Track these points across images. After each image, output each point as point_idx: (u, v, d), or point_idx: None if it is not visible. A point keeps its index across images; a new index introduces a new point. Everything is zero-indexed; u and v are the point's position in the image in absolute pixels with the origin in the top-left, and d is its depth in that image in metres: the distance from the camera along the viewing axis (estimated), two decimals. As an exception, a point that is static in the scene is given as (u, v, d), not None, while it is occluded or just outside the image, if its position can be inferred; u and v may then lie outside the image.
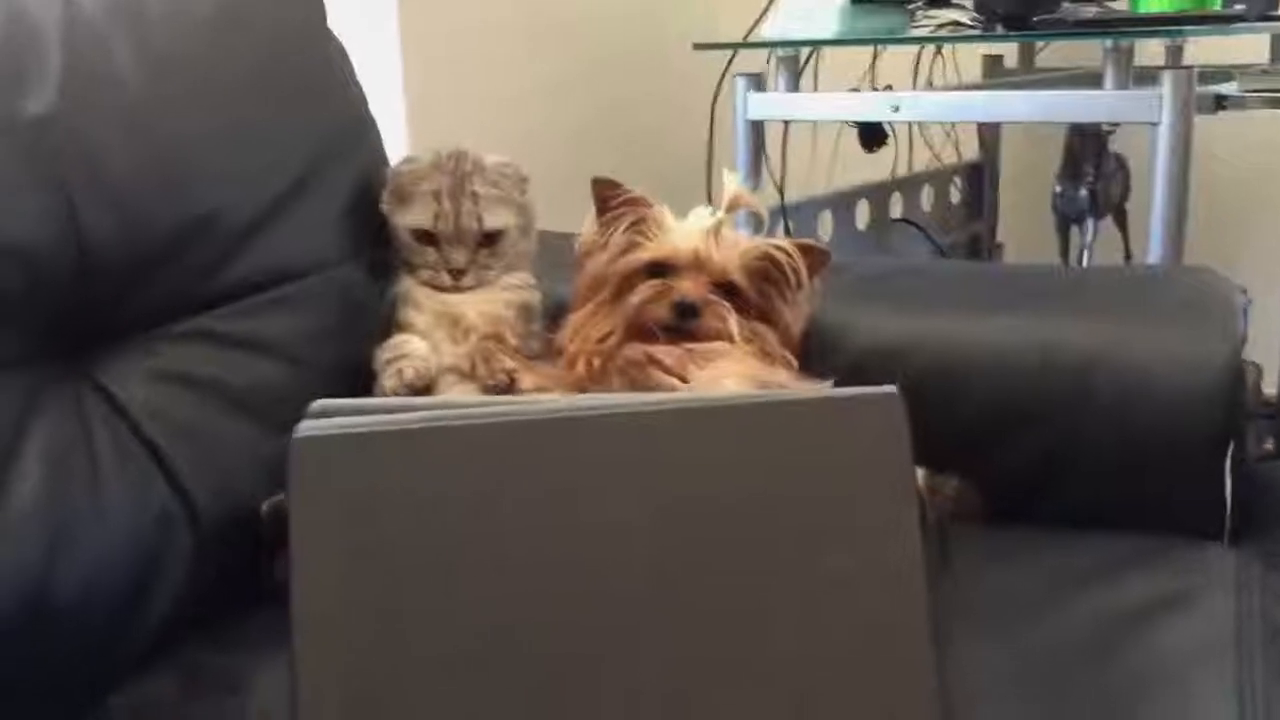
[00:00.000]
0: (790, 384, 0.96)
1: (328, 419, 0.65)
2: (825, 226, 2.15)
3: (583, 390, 1.05)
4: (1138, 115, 1.52)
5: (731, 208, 1.11)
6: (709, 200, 2.05)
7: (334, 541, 0.62)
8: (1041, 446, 1.07)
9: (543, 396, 1.01)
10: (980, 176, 2.58)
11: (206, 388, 0.95)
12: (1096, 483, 1.05)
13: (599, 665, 0.59)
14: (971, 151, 2.58)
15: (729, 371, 0.95)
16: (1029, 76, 2.33)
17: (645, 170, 2.07)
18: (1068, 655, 0.79)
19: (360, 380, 1.03)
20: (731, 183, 1.12)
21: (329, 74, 1.16)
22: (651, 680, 0.59)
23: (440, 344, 1.07)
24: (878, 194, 2.28)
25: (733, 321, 1.06)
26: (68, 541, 0.81)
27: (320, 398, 0.99)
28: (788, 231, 2.03)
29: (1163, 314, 1.12)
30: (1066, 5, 1.62)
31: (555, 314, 1.14)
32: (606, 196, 1.13)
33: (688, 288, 1.07)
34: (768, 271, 1.09)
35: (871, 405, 0.63)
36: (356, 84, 1.19)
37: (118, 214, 0.91)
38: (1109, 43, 1.53)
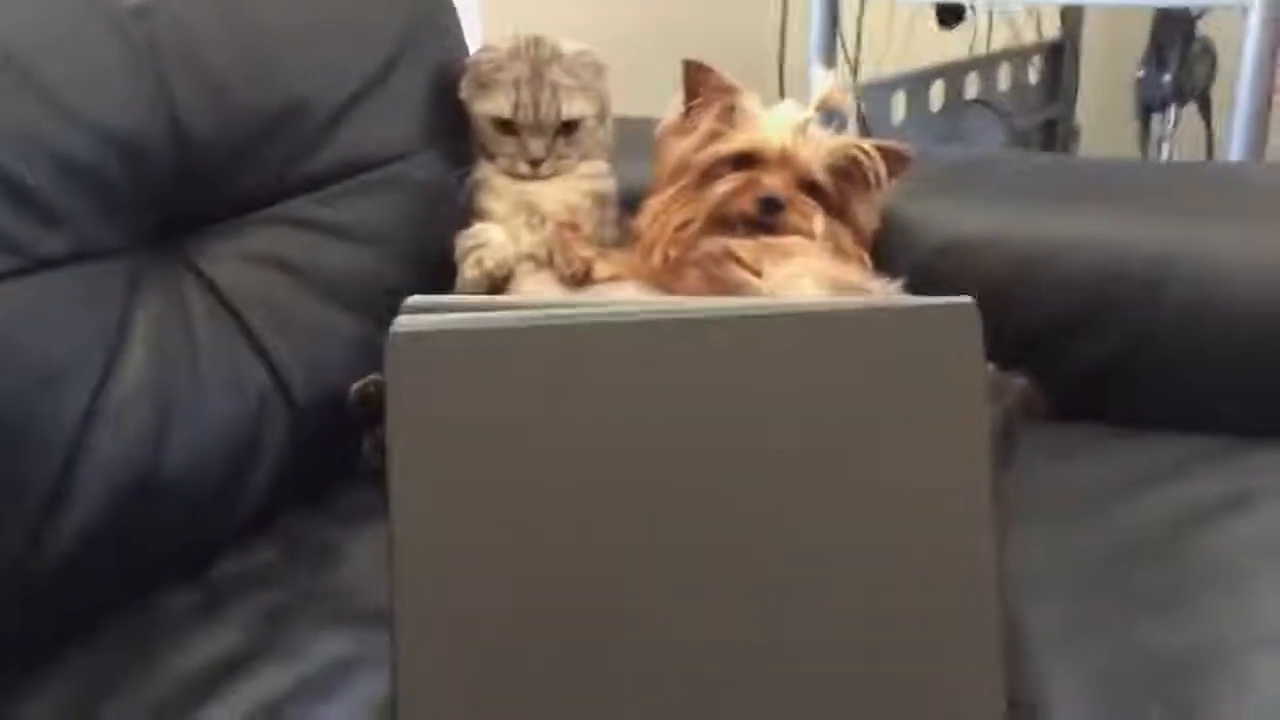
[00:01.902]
0: (864, 284, 0.97)
1: (423, 314, 0.68)
2: (898, 108, 2.12)
3: (658, 281, 1.07)
4: None
5: (821, 106, 1.11)
6: (780, 79, 2.04)
7: (431, 438, 0.64)
8: (1113, 344, 1.08)
9: (618, 293, 1.04)
10: (1060, 56, 2.51)
11: (295, 271, 0.98)
12: (1167, 382, 1.06)
13: (672, 580, 0.62)
14: (1053, 30, 2.52)
15: (806, 269, 0.97)
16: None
17: (716, 48, 2.05)
18: (1127, 552, 0.81)
19: (442, 266, 1.06)
20: (825, 81, 1.12)
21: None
22: (722, 595, 0.62)
23: (518, 231, 1.09)
24: (953, 74, 2.24)
25: (817, 219, 1.07)
26: (173, 420, 0.85)
27: (401, 283, 1.05)
28: (860, 114, 2.02)
29: (1241, 211, 1.11)
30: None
31: (632, 201, 1.16)
32: (697, 81, 1.12)
33: (774, 183, 1.07)
34: (849, 171, 1.09)
35: (946, 316, 0.64)
36: (436, -31, 1.20)
37: (213, 102, 0.93)
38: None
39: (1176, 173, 1.32)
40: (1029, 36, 2.44)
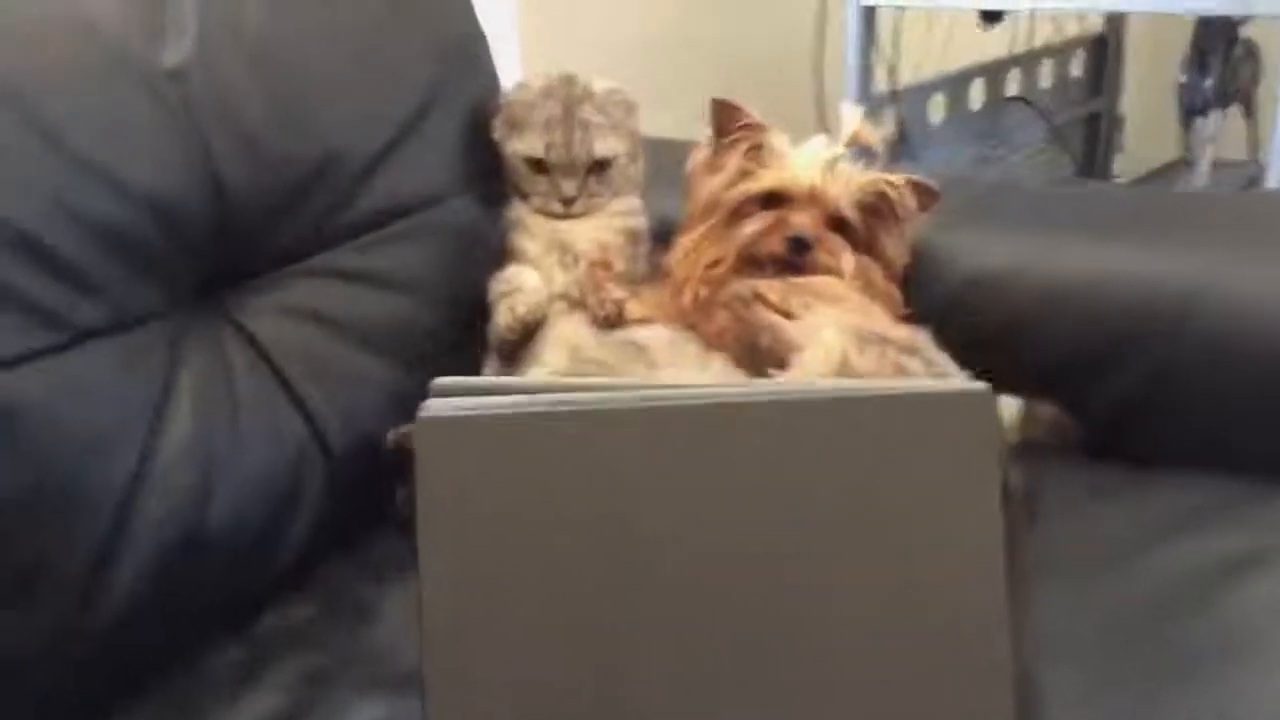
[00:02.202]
0: (888, 331, 0.98)
1: (450, 398, 0.70)
2: (937, 110, 2.11)
3: (688, 321, 1.08)
4: (1267, 8, 1.47)
5: (850, 143, 1.12)
6: (819, 89, 2.04)
7: (457, 521, 0.67)
8: (1139, 380, 1.08)
9: (649, 334, 1.05)
10: (1104, 50, 2.49)
11: (333, 322, 1.00)
12: (1193, 420, 1.06)
13: (690, 653, 0.64)
14: (1097, 23, 2.49)
15: (829, 319, 0.98)
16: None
17: (751, 60, 2.06)
18: (1147, 611, 0.82)
19: (477, 309, 1.08)
20: (853, 117, 1.12)
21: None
22: (740, 670, 0.64)
23: (551, 271, 1.10)
24: (993, 72, 2.23)
25: (846, 258, 1.07)
26: (216, 476, 0.88)
27: (437, 327, 1.07)
28: (898, 118, 2.02)
29: (1272, 244, 1.10)
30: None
31: (664, 234, 1.17)
32: (726, 119, 1.13)
33: (802, 222, 1.08)
34: (878, 207, 1.10)
35: (961, 403, 0.65)
36: (469, 5, 1.21)
37: (251, 159, 0.96)
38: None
39: (1206, 204, 1.31)
40: (1071, 30, 2.42)
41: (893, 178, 1.11)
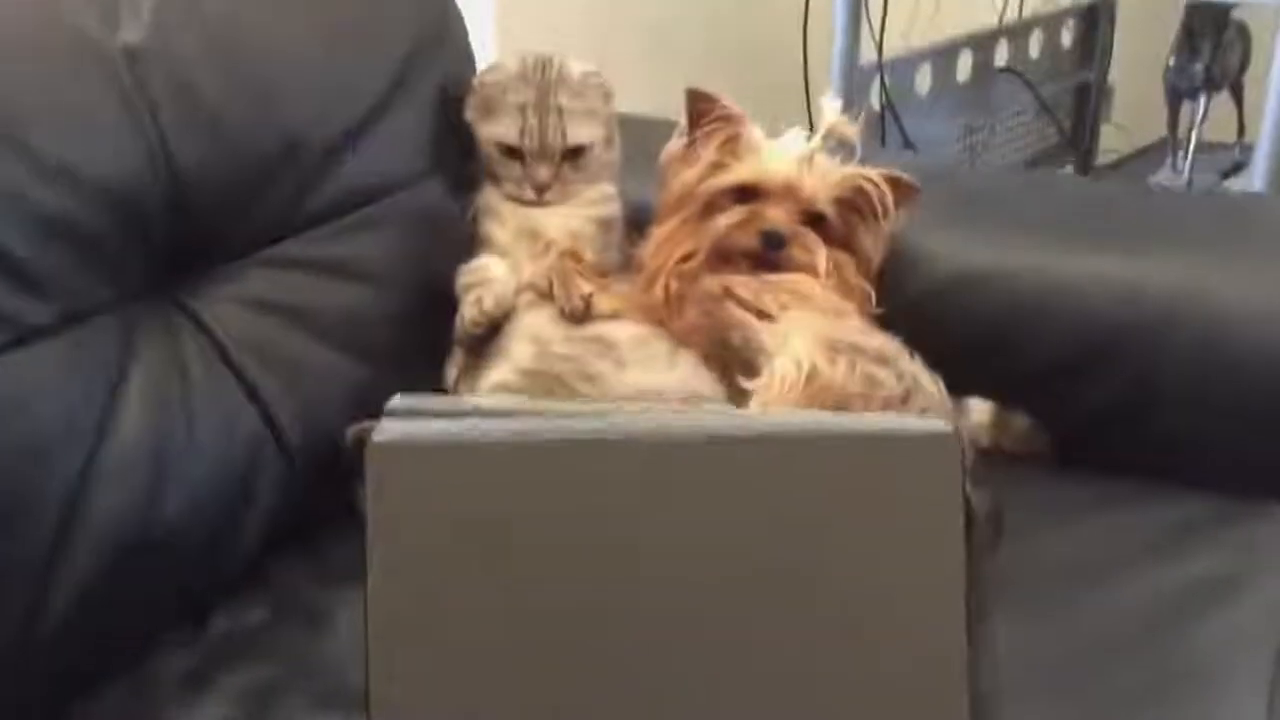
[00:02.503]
0: (861, 340, 0.96)
1: (405, 419, 0.68)
2: (923, 81, 2.08)
3: (658, 317, 1.06)
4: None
5: (827, 137, 1.09)
6: (804, 58, 2.00)
7: (406, 546, 0.65)
8: (1117, 389, 1.07)
9: (616, 330, 1.03)
10: (1096, 19, 2.45)
11: (292, 313, 0.98)
12: (1171, 432, 1.05)
13: (637, 684, 0.63)
14: (1089, -8, 2.45)
15: (800, 325, 0.96)
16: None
17: (738, 35, 2.02)
18: (1120, 639, 0.81)
19: (444, 299, 1.05)
20: (830, 112, 1.10)
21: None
22: (683, 705, 0.63)
23: (520, 259, 1.08)
24: (982, 42, 2.20)
25: (821, 255, 1.05)
26: (168, 473, 0.86)
27: (402, 318, 1.05)
28: (884, 89, 1.99)
29: (1254, 253, 1.09)
30: None
31: (640, 221, 1.14)
32: (701, 110, 1.11)
33: (777, 217, 1.06)
34: (855, 202, 1.08)
35: (926, 443, 0.64)
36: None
37: (208, 142, 0.93)
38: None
39: (1190, 206, 1.29)
40: (1063, 1, 2.38)
41: (871, 173, 1.09)
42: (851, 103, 1.82)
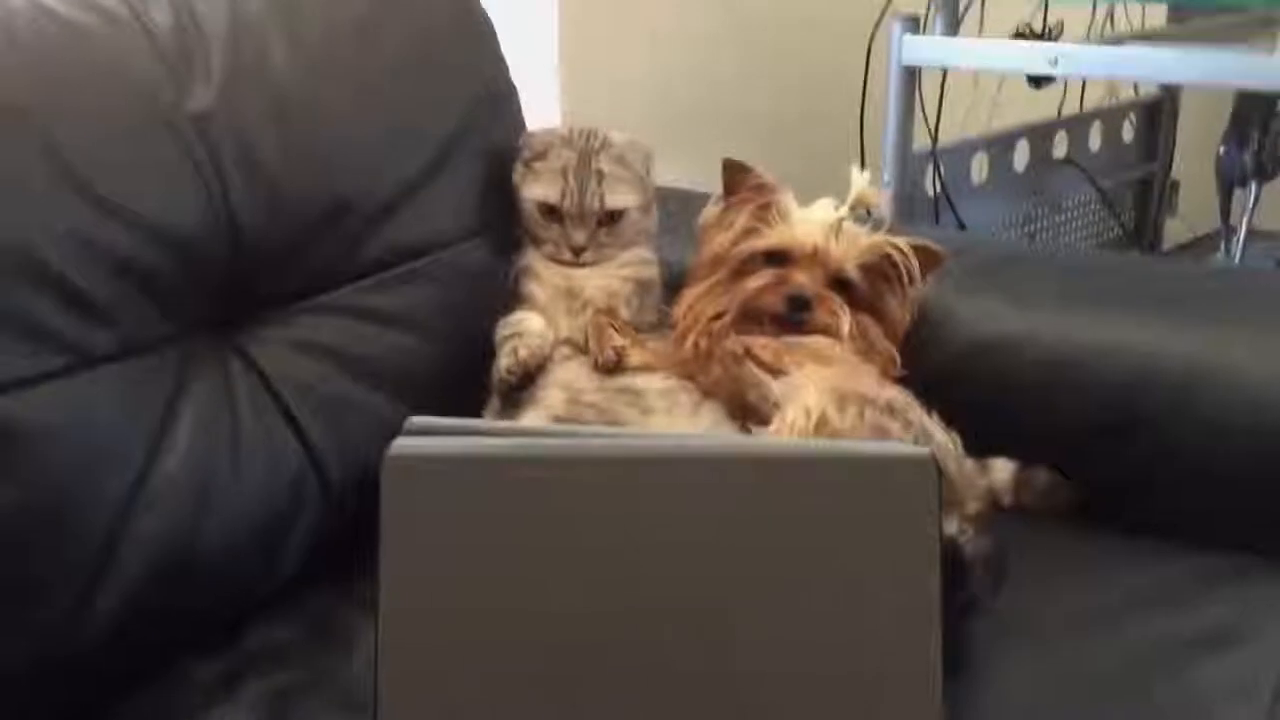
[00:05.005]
0: (874, 393, 1.00)
1: (421, 437, 0.73)
2: (980, 170, 2.12)
3: (686, 371, 1.11)
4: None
5: (855, 206, 1.14)
6: (861, 142, 2.06)
7: (419, 556, 0.69)
8: (1138, 453, 1.08)
9: (645, 382, 1.08)
10: (1158, 114, 2.48)
11: (338, 357, 1.04)
12: (1188, 494, 1.06)
13: (632, 702, 0.66)
14: (1152, 86, 2.48)
15: (810, 379, 1.00)
16: (1218, 21, 2.21)
17: (795, 115, 2.08)
18: (1096, 687, 0.82)
19: (484, 351, 1.11)
20: (859, 181, 1.14)
21: (472, 49, 1.22)
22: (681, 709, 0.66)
23: (557, 317, 1.13)
24: (1040, 133, 2.23)
25: (844, 319, 1.10)
26: (212, 501, 0.92)
27: (443, 367, 1.11)
28: (938, 174, 2.03)
29: (1272, 322, 1.11)
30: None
31: (676, 284, 1.19)
32: (735, 179, 1.17)
33: (803, 281, 1.11)
34: (882, 268, 1.12)
35: (903, 466, 0.67)
36: (500, 56, 1.25)
37: (267, 201, 1.00)
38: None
39: (1217, 278, 1.31)
40: (1125, 95, 2.42)
41: (898, 241, 1.13)
42: (906, 187, 1.89)
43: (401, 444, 0.72)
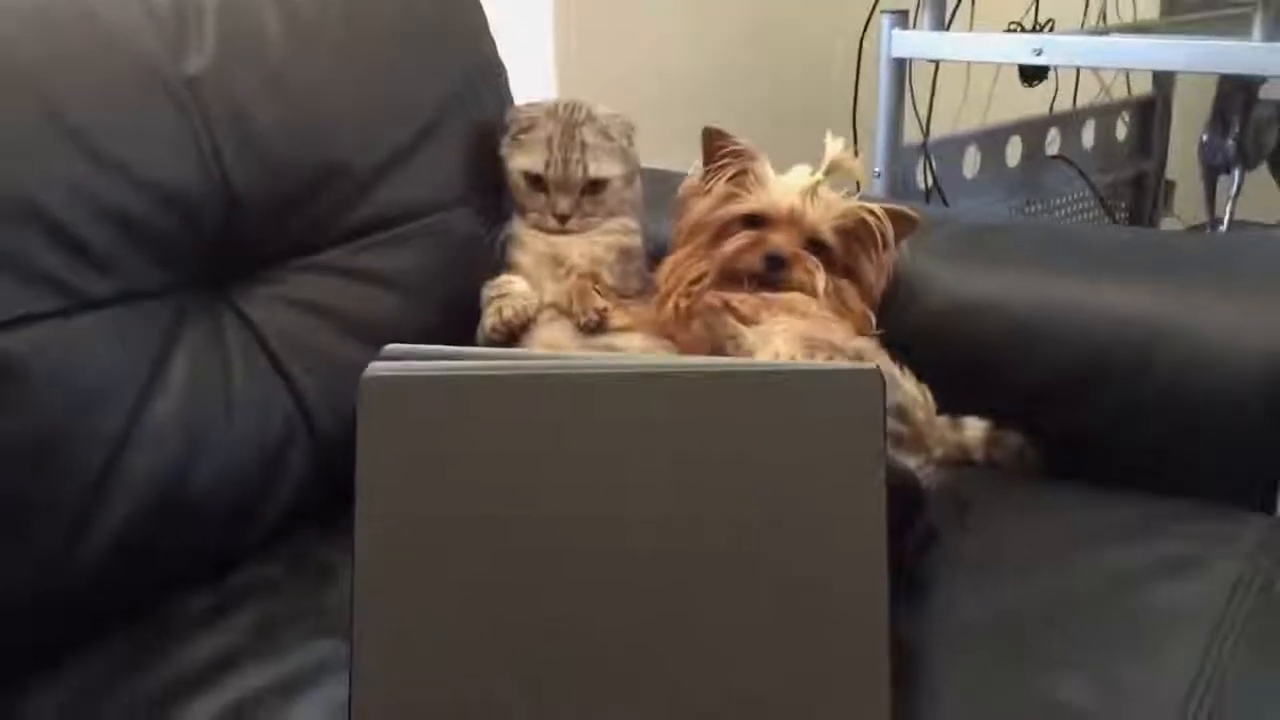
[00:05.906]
0: (843, 343, 1.03)
1: (397, 361, 0.76)
2: (970, 164, 2.15)
3: (666, 330, 1.14)
4: (1281, 68, 1.50)
5: (830, 171, 1.17)
6: (854, 135, 2.10)
7: (394, 475, 0.73)
8: (1104, 410, 1.12)
9: (626, 341, 1.12)
10: (1151, 112, 2.51)
11: (328, 313, 1.08)
12: (1152, 448, 1.09)
13: (597, 605, 0.69)
14: (1144, 85, 2.51)
15: (781, 327, 1.03)
16: (1212, 13, 2.24)
17: (790, 105, 2.12)
18: (1048, 612, 0.85)
19: (471, 313, 1.15)
20: (833, 147, 1.18)
21: (461, 25, 1.27)
22: (638, 626, 0.69)
23: (542, 282, 1.17)
24: (1033, 130, 2.26)
25: (819, 277, 1.13)
26: (202, 445, 0.96)
27: (431, 325, 1.14)
28: (930, 168, 2.06)
29: (1236, 284, 1.13)
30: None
31: (661, 255, 1.23)
32: (714, 146, 1.20)
33: (779, 241, 1.14)
34: (857, 232, 1.16)
35: (850, 378, 0.70)
36: (488, 33, 1.30)
37: (260, 162, 1.04)
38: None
39: (1183, 244, 1.34)
40: (1119, 91, 2.44)
41: (872, 205, 1.17)
42: (898, 179, 1.93)
43: (376, 366, 0.76)
